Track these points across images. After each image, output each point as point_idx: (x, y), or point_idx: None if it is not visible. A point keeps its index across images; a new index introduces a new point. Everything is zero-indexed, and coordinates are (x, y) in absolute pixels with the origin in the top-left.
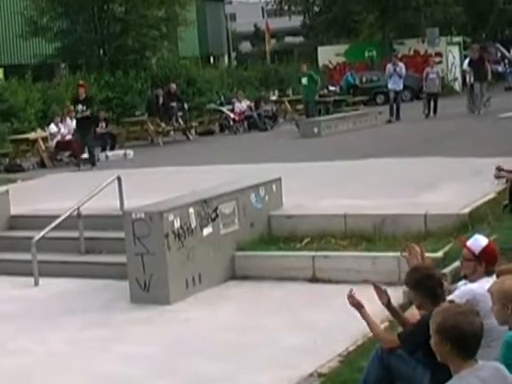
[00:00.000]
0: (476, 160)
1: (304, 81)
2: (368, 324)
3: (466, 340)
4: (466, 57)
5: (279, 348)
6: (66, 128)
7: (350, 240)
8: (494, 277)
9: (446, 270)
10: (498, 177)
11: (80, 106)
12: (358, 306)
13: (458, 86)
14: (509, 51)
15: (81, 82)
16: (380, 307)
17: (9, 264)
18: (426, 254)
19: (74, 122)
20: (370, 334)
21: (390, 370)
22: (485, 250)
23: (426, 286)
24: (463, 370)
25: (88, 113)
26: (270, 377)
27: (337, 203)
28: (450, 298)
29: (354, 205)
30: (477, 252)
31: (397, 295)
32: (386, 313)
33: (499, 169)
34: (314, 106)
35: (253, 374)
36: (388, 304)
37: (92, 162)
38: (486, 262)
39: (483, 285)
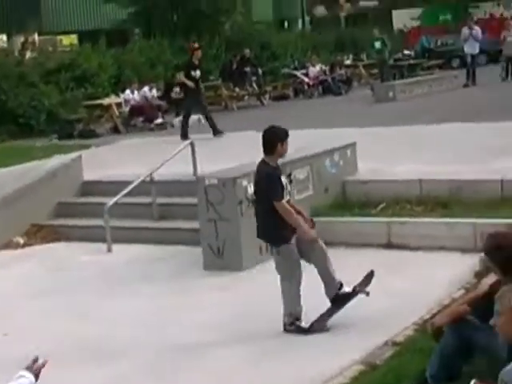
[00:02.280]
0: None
1: (377, 45)
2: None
3: None
4: None
5: (354, 315)
6: (140, 95)
7: (426, 206)
8: None
9: None
10: None
11: (198, 72)
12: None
13: None
14: None
15: (196, 45)
16: (458, 273)
17: (82, 230)
18: (503, 220)
19: (179, 89)
20: (446, 302)
21: (467, 340)
22: None
23: (501, 254)
24: None
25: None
26: (345, 344)
27: (412, 168)
28: None
29: (430, 170)
30: None
31: (473, 262)
32: (463, 280)
33: None
34: (388, 70)
35: (328, 341)
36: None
37: (214, 129)
38: None
39: None
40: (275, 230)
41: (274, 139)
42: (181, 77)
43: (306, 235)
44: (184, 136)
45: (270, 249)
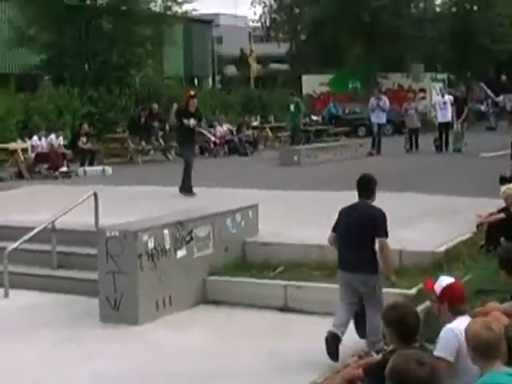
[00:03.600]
0: (455, 198)
1: (292, 108)
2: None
3: None
4: (449, 93)
5: (244, 376)
6: (47, 142)
7: (323, 271)
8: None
9: (419, 308)
10: (478, 225)
11: (192, 120)
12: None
13: None
14: (493, 92)
15: (192, 92)
16: (350, 340)
17: None
18: (401, 290)
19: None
20: (338, 367)
21: None
22: (446, 289)
23: (400, 324)
24: None
25: (198, 126)
26: None
27: (312, 234)
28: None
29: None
30: (438, 292)
31: None
32: (357, 347)
33: (479, 216)
34: (299, 134)
35: None
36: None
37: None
38: (448, 301)
39: (459, 323)
40: (374, 262)
41: (373, 184)
42: (171, 120)
43: (393, 275)
44: (188, 190)
45: (361, 282)
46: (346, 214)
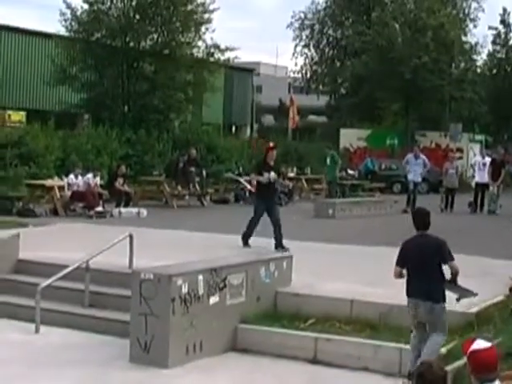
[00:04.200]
0: (488, 260)
1: (327, 160)
2: None
3: None
4: (488, 155)
5: None
6: (83, 181)
7: (355, 325)
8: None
9: (448, 368)
10: (511, 288)
11: (272, 174)
12: None
13: None
14: None
15: (271, 144)
16: None
17: (11, 307)
18: None
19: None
20: None
21: None
22: (470, 354)
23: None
24: None
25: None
26: None
27: (345, 287)
28: None
29: (362, 291)
30: (466, 356)
31: None
32: None
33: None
34: (336, 186)
35: None
36: None
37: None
38: (471, 366)
39: None
40: (441, 290)
41: (428, 217)
42: (252, 177)
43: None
44: (245, 237)
45: (427, 310)
46: (411, 247)
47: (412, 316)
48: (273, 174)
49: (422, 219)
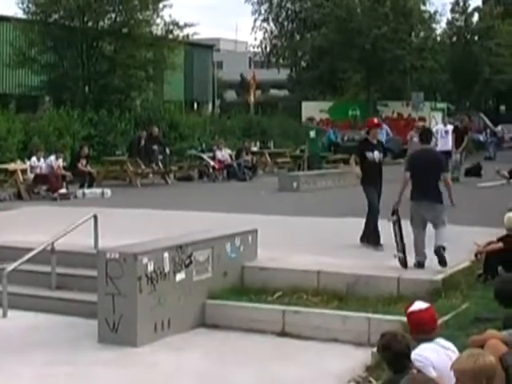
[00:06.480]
0: (452, 227)
1: (312, 134)
2: None
3: None
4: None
5: None
6: (46, 163)
7: (322, 297)
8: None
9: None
10: (477, 254)
11: (376, 153)
12: None
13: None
14: (491, 122)
15: (376, 120)
16: (349, 366)
17: None
18: (397, 317)
19: None
20: None
21: None
22: (409, 314)
23: (391, 351)
24: None
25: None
26: None
27: (311, 259)
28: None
29: (329, 262)
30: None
31: (365, 356)
32: (354, 373)
33: (477, 245)
34: (318, 159)
35: None
36: None
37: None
38: (409, 326)
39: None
40: (440, 194)
41: (431, 134)
42: (352, 160)
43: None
44: (374, 241)
45: (429, 208)
46: (418, 157)
47: (418, 215)
48: (377, 154)
49: (426, 136)
